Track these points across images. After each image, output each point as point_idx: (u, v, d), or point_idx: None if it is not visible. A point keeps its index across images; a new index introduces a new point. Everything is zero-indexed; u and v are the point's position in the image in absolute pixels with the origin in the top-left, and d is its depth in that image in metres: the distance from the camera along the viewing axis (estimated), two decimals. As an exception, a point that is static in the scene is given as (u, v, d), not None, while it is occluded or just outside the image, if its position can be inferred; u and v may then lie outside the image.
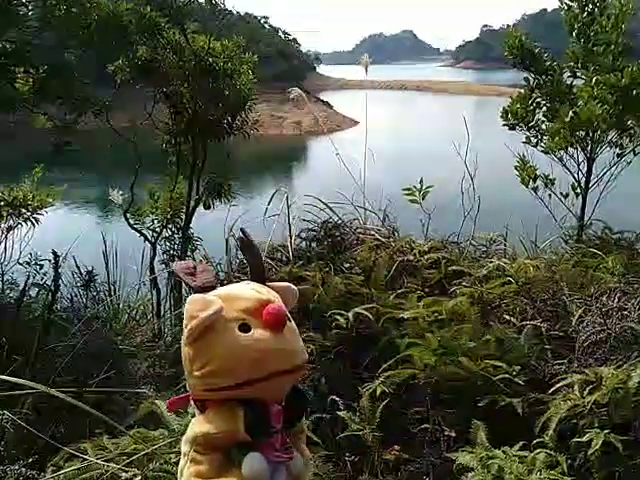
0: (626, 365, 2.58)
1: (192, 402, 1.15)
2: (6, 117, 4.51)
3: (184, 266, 1.18)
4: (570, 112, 4.74)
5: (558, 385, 2.63)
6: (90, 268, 4.87)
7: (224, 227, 4.62)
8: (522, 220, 5.22)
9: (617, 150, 5.08)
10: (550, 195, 5.15)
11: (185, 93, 5.06)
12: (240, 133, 5.17)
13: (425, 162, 15.62)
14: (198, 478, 1.07)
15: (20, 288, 4.28)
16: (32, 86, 4.29)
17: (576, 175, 5.16)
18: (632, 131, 4.96)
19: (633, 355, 2.74)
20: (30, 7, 4.40)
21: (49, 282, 4.21)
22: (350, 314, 3.19)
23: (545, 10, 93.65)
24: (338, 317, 3.21)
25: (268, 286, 1.18)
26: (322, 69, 61.62)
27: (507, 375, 2.72)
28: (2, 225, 4.63)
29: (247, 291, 1.15)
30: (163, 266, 5.25)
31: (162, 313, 5.12)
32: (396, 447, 2.66)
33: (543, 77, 5.17)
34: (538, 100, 5.22)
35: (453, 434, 2.59)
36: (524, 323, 3.18)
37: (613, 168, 5.10)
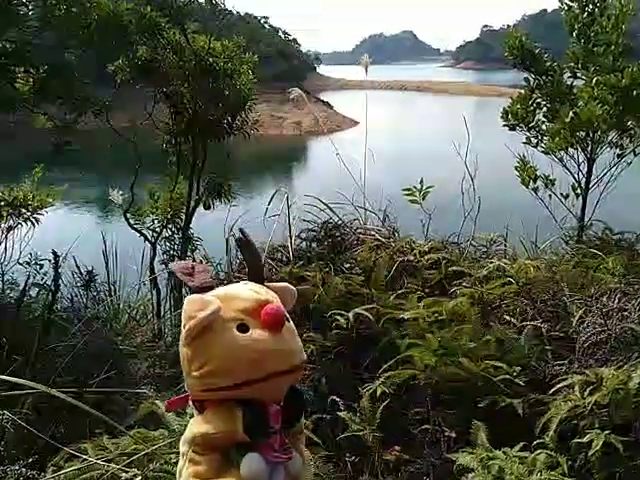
0: (626, 366, 2.58)
1: (190, 402, 1.15)
2: (6, 117, 4.51)
3: (182, 266, 1.18)
4: (570, 113, 4.74)
5: (558, 386, 2.62)
6: (90, 268, 4.87)
7: (224, 227, 4.62)
8: (522, 221, 5.22)
9: (617, 151, 5.08)
10: (550, 196, 5.15)
11: (185, 93, 5.06)
12: (240, 133, 5.18)
13: (425, 162, 15.62)
14: (197, 478, 1.07)
15: (20, 288, 4.28)
16: (32, 86, 4.29)
17: (576, 176, 5.16)
18: (632, 132, 4.96)
19: (633, 356, 2.74)
20: (30, 7, 4.40)
21: (49, 282, 4.21)
22: (350, 314, 3.19)
23: (545, 10, 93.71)
24: (338, 317, 3.21)
25: (266, 286, 1.18)
26: (322, 69, 61.65)
27: (507, 376, 2.72)
28: (2, 225, 4.64)
29: (245, 291, 1.15)
30: (163, 266, 5.24)
31: (162, 313, 5.12)
32: (396, 448, 2.66)
33: (543, 77, 5.17)
34: (538, 100, 5.22)
35: (453, 435, 2.59)
36: (524, 324, 3.18)
37: (613, 169, 5.10)
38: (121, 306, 5.03)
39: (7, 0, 3.96)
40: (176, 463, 1.17)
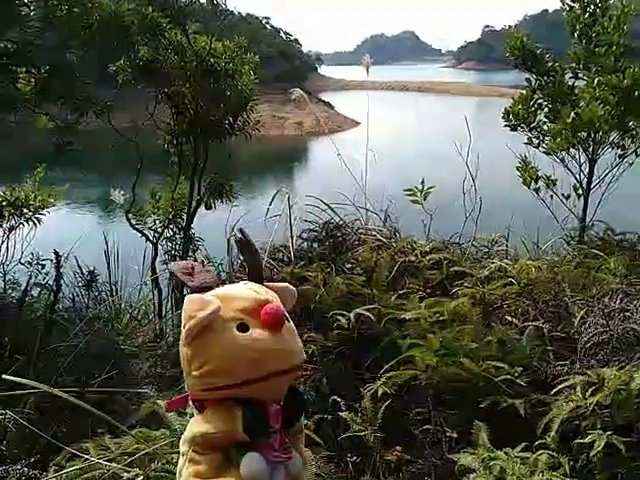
0: (628, 366, 2.58)
1: (190, 402, 1.15)
2: (6, 116, 4.52)
3: (182, 266, 1.19)
4: (572, 113, 4.73)
5: (560, 386, 2.62)
6: (92, 268, 4.87)
7: (225, 227, 4.61)
8: (524, 221, 5.21)
9: (619, 151, 5.07)
10: (552, 196, 5.14)
11: (187, 93, 5.07)
12: (241, 133, 5.18)
13: (427, 163, 15.62)
14: (197, 478, 1.07)
15: (22, 288, 4.28)
16: (34, 86, 4.29)
17: (578, 176, 5.16)
18: (634, 132, 4.95)
19: (635, 356, 2.73)
20: (32, 7, 4.41)
21: (51, 282, 4.22)
22: (352, 315, 3.19)
23: (547, 11, 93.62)
24: (339, 318, 3.21)
25: (266, 286, 1.19)
26: (323, 70, 61.64)
27: (509, 376, 2.72)
28: (4, 225, 4.64)
29: (245, 291, 1.15)
30: (164, 266, 5.25)
31: (164, 313, 5.13)
32: (398, 448, 2.66)
33: (545, 78, 5.17)
34: (540, 101, 5.22)
35: (455, 435, 2.59)
36: (526, 324, 3.18)
37: (615, 169, 5.10)
38: (123, 306, 5.04)
39: (9, 0, 3.97)
40: (177, 463, 1.17)
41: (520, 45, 5.17)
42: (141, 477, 1.95)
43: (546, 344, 3.03)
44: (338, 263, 3.84)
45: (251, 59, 5.14)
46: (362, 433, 2.58)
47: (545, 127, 5.20)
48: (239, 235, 1.22)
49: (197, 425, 1.10)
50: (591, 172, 5.11)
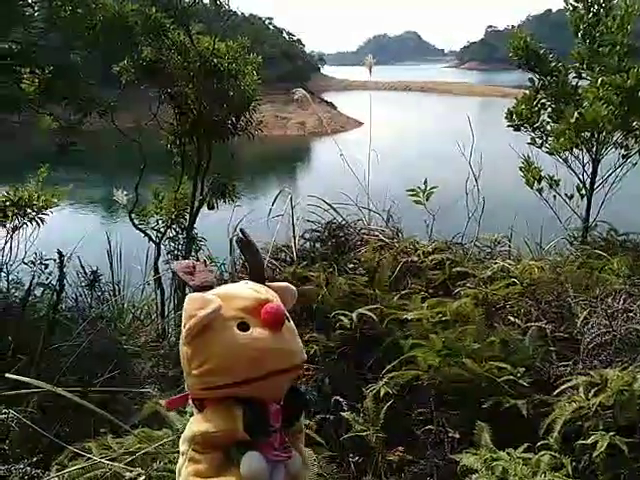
0: (631, 367, 2.57)
1: (190, 401, 1.15)
2: (9, 117, 4.53)
3: (183, 265, 1.19)
4: (575, 113, 4.72)
5: (563, 387, 2.61)
6: (95, 268, 4.89)
7: (228, 227, 4.62)
8: (527, 221, 5.20)
9: (622, 151, 5.06)
10: (555, 196, 5.13)
11: (190, 94, 5.08)
12: (244, 134, 5.19)
13: (429, 163, 15.61)
14: (196, 477, 1.08)
15: (25, 288, 4.30)
16: (38, 86, 4.31)
17: (581, 176, 5.15)
18: (637, 132, 4.94)
19: (638, 357, 2.72)
20: (36, 8, 4.43)
21: (54, 282, 4.23)
22: (354, 315, 3.19)
23: (550, 11, 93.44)
24: (342, 318, 3.20)
25: (267, 286, 1.19)
26: (326, 70, 61.65)
27: (511, 377, 2.71)
28: (8, 225, 4.66)
29: (245, 290, 1.15)
30: (167, 266, 5.26)
31: (166, 313, 5.14)
32: (400, 448, 2.66)
33: (548, 78, 5.16)
34: (543, 101, 5.21)
35: (457, 435, 2.59)
36: (529, 324, 3.17)
37: (618, 169, 5.09)
38: (125, 306, 5.05)
39: (13, 1, 3.98)
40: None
41: (523, 45, 5.16)
42: (143, 477, 1.95)
43: (549, 345, 3.02)
44: (340, 263, 3.84)
45: (254, 59, 5.15)
46: (364, 433, 2.58)
47: (548, 127, 5.19)
48: (240, 235, 1.22)
49: (197, 424, 1.10)
50: (594, 172, 5.10)
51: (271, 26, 47.60)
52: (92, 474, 2.00)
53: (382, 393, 2.70)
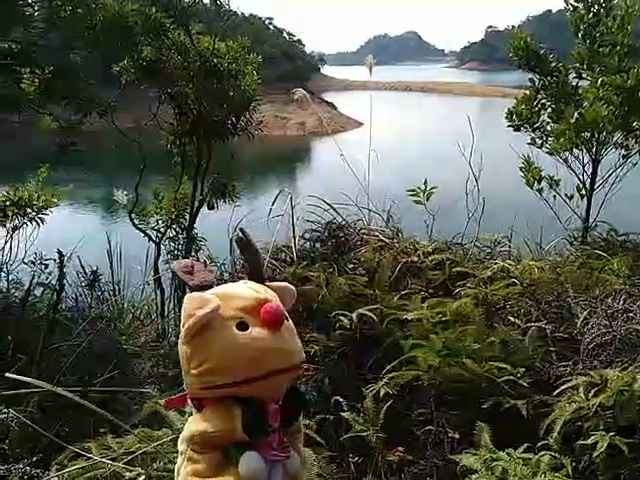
0: (631, 367, 2.57)
1: (189, 401, 1.15)
2: (9, 117, 4.53)
3: (182, 265, 1.19)
4: (575, 113, 4.72)
5: (563, 387, 2.61)
6: (95, 268, 4.89)
7: (228, 227, 4.62)
8: (527, 221, 5.20)
9: (622, 151, 5.06)
10: (555, 196, 5.13)
11: (190, 94, 5.08)
12: (244, 134, 5.19)
13: (429, 163, 15.61)
14: (195, 477, 1.07)
15: (25, 287, 4.30)
16: (38, 86, 4.31)
17: (581, 176, 5.15)
18: (638, 132, 4.94)
19: (638, 357, 2.72)
20: (36, 8, 4.43)
21: (54, 282, 4.22)
22: (354, 315, 3.19)
23: (550, 11, 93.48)
24: (342, 318, 3.20)
25: (266, 286, 1.19)
26: (326, 70, 61.64)
27: (511, 377, 2.71)
28: (8, 225, 4.66)
29: (245, 290, 1.15)
30: (167, 266, 5.26)
31: (166, 313, 5.14)
32: (400, 448, 2.66)
33: (548, 78, 5.16)
34: (543, 101, 5.21)
35: (457, 436, 2.59)
36: (529, 325, 3.17)
37: (618, 169, 5.09)
38: (125, 306, 5.05)
39: (13, 1, 3.98)
40: (178, 462, 1.17)
41: (524, 45, 5.16)
42: (143, 476, 1.95)
43: (549, 345, 3.02)
44: (340, 263, 3.84)
45: (254, 59, 5.15)
46: (364, 433, 2.58)
47: (548, 127, 5.19)
48: (239, 235, 1.22)
49: (196, 424, 1.10)
50: (594, 172, 5.10)
51: (271, 26, 47.61)
52: (92, 474, 2.00)
53: (382, 393, 2.70)
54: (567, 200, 5.12)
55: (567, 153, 5.06)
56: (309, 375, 3.01)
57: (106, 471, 1.99)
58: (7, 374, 2.08)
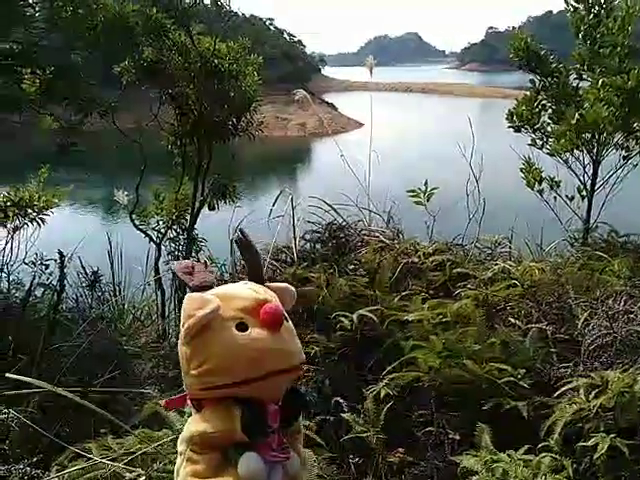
0: (632, 369, 2.57)
1: (189, 401, 1.15)
2: (9, 117, 4.54)
3: (183, 265, 1.20)
4: (576, 114, 4.72)
5: (563, 389, 2.61)
6: (95, 268, 4.89)
7: (229, 228, 4.62)
8: (527, 223, 5.20)
9: (623, 152, 5.06)
10: (555, 198, 5.13)
11: (191, 94, 5.08)
12: (245, 134, 5.19)
13: (430, 164, 15.61)
14: (194, 477, 1.08)
15: (26, 288, 4.30)
16: (38, 87, 4.31)
17: (582, 178, 5.14)
18: (638, 133, 4.94)
19: (639, 359, 2.72)
20: (37, 8, 4.43)
21: (55, 282, 4.23)
22: (354, 316, 3.19)
23: (551, 12, 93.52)
24: (342, 319, 3.20)
25: (266, 286, 1.19)
26: (327, 71, 61.65)
27: (512, 378, 2.71)
28: (8, 225, 4.66)
29: (244, 290, 1.15)
30: (168, 267, 5.26)
31: (167, 314, 5.14)
32: (400, 450, 2.65)
33: (549, 79, 5.16)
34: (544, 102, 5.21)
35: (457, 437, 2.59)
36: (529, 326, 3.17)
37: (619, 171, 5.09)
38: (126, 306, 5.05)
39: (14, 1, 3.98)
40: (179, 463, 1.17)
41: (524, 46, 5.16)
42: (143, 477, 1.95)
43: (549, 346, 3.02)
44: (341, 264, 3.84)
45: (255, 60, 5.15)
46: (364, 435, 2.58)
47: (549, 128, 5.19)
48: (239, 235, 1.22)
49: (195, 424, 1.10)
50: (595, 173, 5.10)
51: (272, 27, 47.65)
52: (92, 474, 2.00)
53: (382, 394, 2.70)
54: (568, 201, 5.12)
55: (568, 154, 5.05)
56: (309, 376, 3.01)
57: (106, 472, 1.99)
58: (7, 374, 2.07)
